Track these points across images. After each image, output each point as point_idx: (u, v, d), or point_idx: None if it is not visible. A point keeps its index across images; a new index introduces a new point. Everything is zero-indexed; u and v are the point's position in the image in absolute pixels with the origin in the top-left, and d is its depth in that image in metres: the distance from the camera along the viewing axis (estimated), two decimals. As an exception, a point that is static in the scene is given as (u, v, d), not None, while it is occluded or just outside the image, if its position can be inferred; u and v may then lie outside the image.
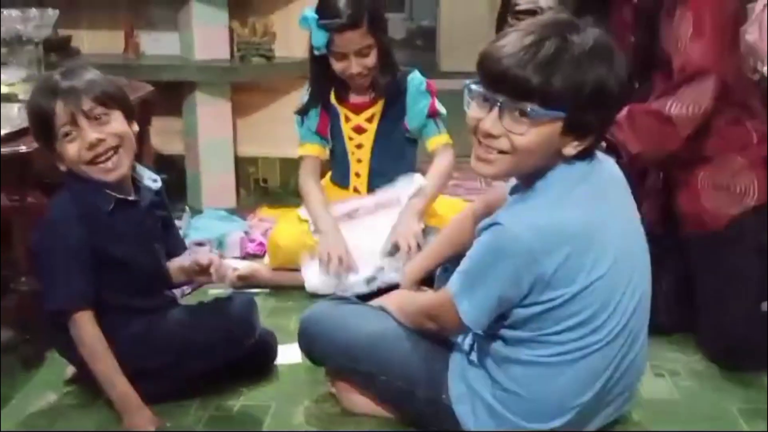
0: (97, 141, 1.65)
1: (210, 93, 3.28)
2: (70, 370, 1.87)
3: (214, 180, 3.40)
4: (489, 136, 1.35)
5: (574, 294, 1.33)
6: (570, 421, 1.44)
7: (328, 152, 2.56)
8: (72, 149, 1.65)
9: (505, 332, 1.41)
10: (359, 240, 2.36)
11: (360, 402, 1.73)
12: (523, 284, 1.33)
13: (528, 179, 1.38)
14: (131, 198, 1.71)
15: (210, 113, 3.30)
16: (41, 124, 1.65)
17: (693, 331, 2.10)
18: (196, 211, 3.14)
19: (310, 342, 1.73)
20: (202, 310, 1.78)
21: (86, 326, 1.61)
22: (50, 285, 1.60)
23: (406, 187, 2.43)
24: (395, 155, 2.49)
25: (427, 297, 1.61)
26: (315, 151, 2.56)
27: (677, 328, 2.09)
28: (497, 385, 1.44)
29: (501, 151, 1.36)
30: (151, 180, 1.80)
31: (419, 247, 2.23)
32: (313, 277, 2.37)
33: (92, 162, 1.66)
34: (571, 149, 1.36)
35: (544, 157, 1.35)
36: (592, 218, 1.34)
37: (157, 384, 1.69)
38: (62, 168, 1.68)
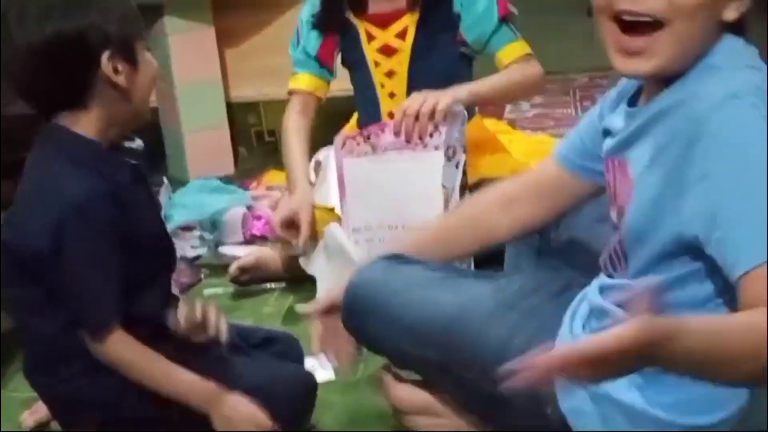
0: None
1: (184, 16, 3.08)
2: (29, 417, 1.81)
3: (201, 139, 3.21)
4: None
5: None
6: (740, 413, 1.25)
7: (327, 87, 2.33)
8: (144, 80, 1.50)
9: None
10: (381, 192, 2.10)
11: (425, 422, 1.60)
12: None
13: (673, 75, 1.25)
14: (134, 162, 1.56)
15: (187, 45, 3.10)
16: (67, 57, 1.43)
17: None
18: (179, 183, 2.95)
19: (360, 321, 1.58)
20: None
21: (127, 340, 1.48)
22: (86, 298, 1.46)
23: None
24: (443, 83, 2.13)
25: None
26: (309, 83, 2.31)
27: None
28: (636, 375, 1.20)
29: (653, 24, 1.22)
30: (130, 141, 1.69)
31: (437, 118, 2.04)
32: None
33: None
34: (732, 11, 1.24)
35: (704, 26, 1.23)
36: None
37: None
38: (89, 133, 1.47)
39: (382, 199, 2.09)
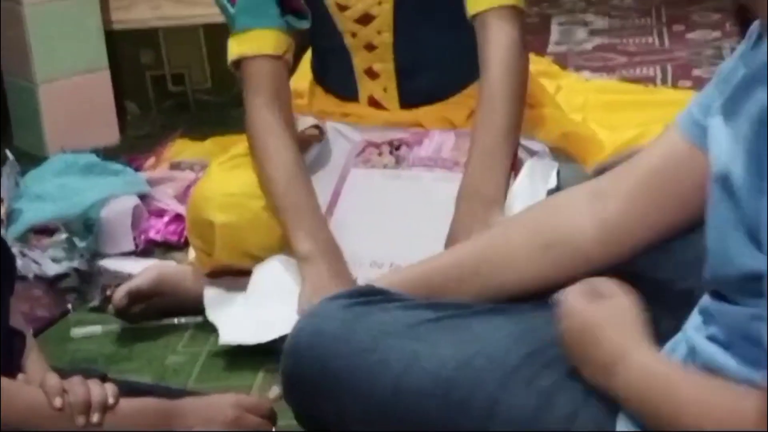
0: None
1: None
2: None
3: (66, 91, 3.28)
4: None
5: None
6: None
7: (292, 43, 2.43)
8: None
9: None
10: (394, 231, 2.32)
11: None
12: None
13: None
14: None
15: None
16: None
17: None
18: (32, 160, 3.02)
19: (308, 397, 1.68)
20: None
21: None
22: None
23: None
24: (443, 22, 2.40)
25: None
26: (275, 43, 2.41)
27: None
28: None
29: None
30: None
31: None
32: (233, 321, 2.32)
33: None
34: None
35: None
36: None
37: None
38: None
39: (387, 227, 2.25)
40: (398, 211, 2.28)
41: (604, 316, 1.51)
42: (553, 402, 1.53)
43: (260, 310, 2.27)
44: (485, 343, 1.60)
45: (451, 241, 2.23)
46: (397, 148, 2.32)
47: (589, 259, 1.63)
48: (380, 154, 2.30)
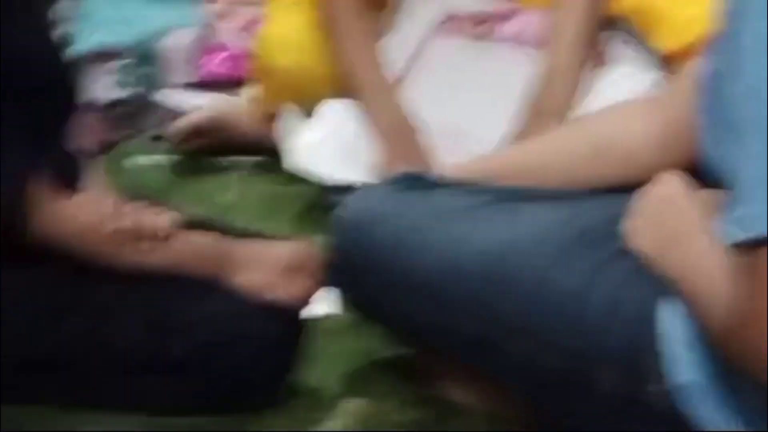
0: None
1: None
2: None
3: None
4: None
5: None
6: None
7: None
8: None
9: None
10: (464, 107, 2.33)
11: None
12: None
13: None
14: None
15: None
16: None
17: None
18: None
19: (356, 273, 1.73)
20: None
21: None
22: None
23: None
24: None
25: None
26: None
27: None
28: None
29: None
30: None
31: None
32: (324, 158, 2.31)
33: None
34: None
35: None
36: None
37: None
38: None
39: (462, 101, 2.30)
40: (474, 86, 2.30)
41: (692, 196, 1.53)
42: (596, 282, 1.55)
43: (333, 145, 2.28)
44: (533, 226, 1.63)
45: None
46: (482, 22, 2.34)
47: (645, 166, 1.64)
48: (464, 26, 2.32)
